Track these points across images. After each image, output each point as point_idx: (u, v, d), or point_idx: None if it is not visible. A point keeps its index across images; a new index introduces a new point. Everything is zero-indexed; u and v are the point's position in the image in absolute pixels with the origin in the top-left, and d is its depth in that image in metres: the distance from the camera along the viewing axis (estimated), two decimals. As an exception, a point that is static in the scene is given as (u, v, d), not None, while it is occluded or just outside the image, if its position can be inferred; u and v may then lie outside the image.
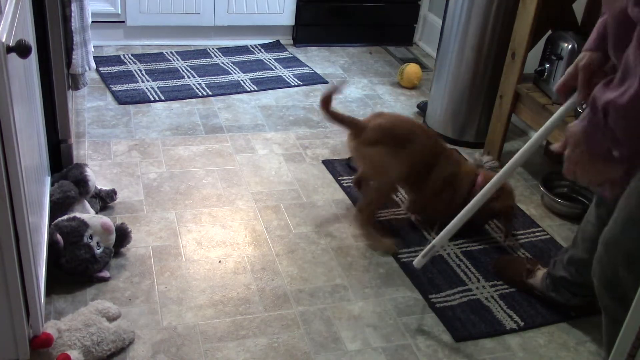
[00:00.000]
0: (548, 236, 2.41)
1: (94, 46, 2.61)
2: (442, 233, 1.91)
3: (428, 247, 1.94)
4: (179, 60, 3.53)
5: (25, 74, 1.65)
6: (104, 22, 3.51)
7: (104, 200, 2.29)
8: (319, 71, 3.60)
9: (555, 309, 2.04)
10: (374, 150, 2.22)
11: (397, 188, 2.42)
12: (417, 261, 1.98)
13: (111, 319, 1.79)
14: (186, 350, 1.78)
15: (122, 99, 3.06)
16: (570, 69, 1.57)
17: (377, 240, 2.27)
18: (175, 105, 3.08)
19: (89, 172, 2.19)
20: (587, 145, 1.29)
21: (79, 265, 1.91)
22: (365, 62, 3.83)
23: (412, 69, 3.52)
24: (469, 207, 1.87)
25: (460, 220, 1.90)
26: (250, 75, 3.46)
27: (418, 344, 1.89)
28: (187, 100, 3.13)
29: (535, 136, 1.74)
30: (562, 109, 1.68)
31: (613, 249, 1.47)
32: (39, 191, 1.82)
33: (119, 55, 3.50)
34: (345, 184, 2.60)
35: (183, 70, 3.42)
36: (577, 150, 1.34)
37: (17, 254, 1.44)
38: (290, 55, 3.76)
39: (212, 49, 3.73)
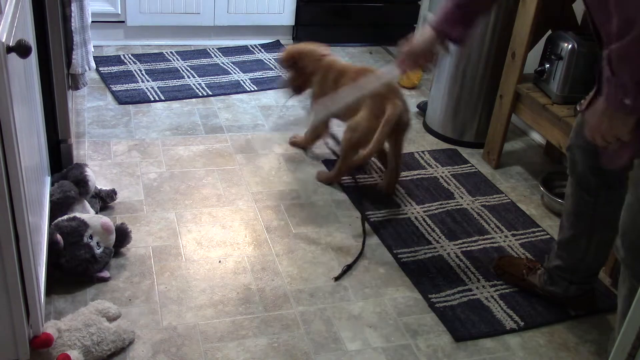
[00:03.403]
0: (548, 236, 2.41)
1: (94, 46, 2.61)
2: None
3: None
4: (179, 60, 3.53)
5: (25, 74, 1.65)
6: (104, 22, 3.51)
7: (104, 200, 2.29)
8: (319, 71, 3.59)
9: (556, 309, 2.04)
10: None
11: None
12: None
13: (111, 319, 1.79)
14: (186, 350, 1.78)
15: (122, 99, 3.06)
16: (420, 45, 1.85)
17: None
18: (175, 105, 3.08)
19: (89, 172, 2.19)
20: (609, 104, 1.39)
21: (79, 265, 1.91)
22: (366, 62, 3.82)
23: (412, 69, 3.52)
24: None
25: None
26: (250, 75, 3.46)
27: (418, 344, 1.89)
28: (187, 100, 3.13)
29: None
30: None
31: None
32: (39, 191, 1.82)
33: (119, 55, 3.50)
34: (345, 184, 2.60)
35: (183, 70, 3.42)
36: (602, 114, 1.43)
37: (17, 254, 1.44)
38: (290, 55, 3.75)
39: (212, 49, 3.73)
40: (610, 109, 1.39)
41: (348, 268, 2.13)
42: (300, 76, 2.66)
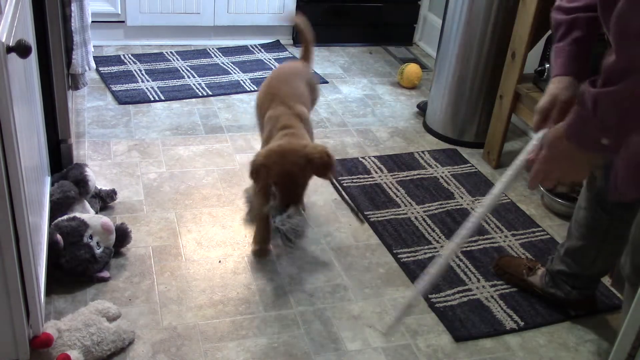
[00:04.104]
0: (548, 236, 2.41)
1: (94, 46, 2.61)
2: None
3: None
4: (179, 60, 3.53)
5: (25, 74, 1.65)
6: (104, 22, 3.51)
7: (104, 200, 2.29)
8: (319, 71, 3.60)
9: (555, 309, 2.04)
10: None
11: None
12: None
13: (111, 319, 1.79)
14: (186, 350, 1.78)
15: (122, 99, 3.06)
16: (545, 103, 1.47)
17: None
18: (175, 105, 3.08)
19: (89, 172, 2.19)
20: (576, 138, 1.28)
21: (79, 265, 1.91)
22: (365, 62, 3.83)
23: (412, 69, 3.52)
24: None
25: None
26: (250, 75, 3.46)
27: (418, 344, 1.89)
28: (187, 100, 3.13)
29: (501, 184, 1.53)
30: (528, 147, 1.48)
31: None
32: (39, 191, 1.82)
33: (119, 55, 3.50)
34: (345, 184, 2.60)
35: (183, 70, 3.42)
36: (560, 148, 1.33)
37: (17, 254, 1.44)
38: (290, 55, 3.75)
39: (212, 49, 3.73)
40: (579, 147, 1.27)
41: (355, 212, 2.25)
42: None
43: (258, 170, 1.97)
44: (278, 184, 1.98)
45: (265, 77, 3.43)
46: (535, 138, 1.44)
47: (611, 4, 1.15)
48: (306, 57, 2.55)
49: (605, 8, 1.23)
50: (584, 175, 1.35)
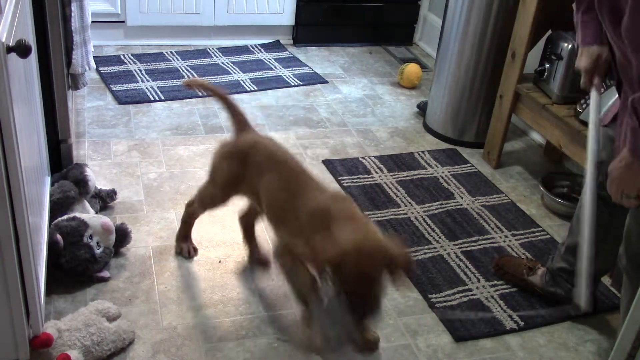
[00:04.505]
0: (548, 236, 2.41)
1: (94, 46, 2.61)
2: None
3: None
4: (179, 60, 3.53)
5: (25, 74, 1.65)
6: (104, 22, 3.51)
7: (104, 200, 2.29)
8: (318, 71, 3.60)
9: (555, 309, 2.04)
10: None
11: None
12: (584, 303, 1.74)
13: (111, 319, 1.79)
14: (186, 350, 1.78)
15: (122, 99, 3.06)
16: (589, 64, 1.67)
17: None
18: (175, 105, 3.08)
19: (89, 172, 2.19)
20: (631, 151, 1.30)
21: (79, 265, 1.91)
22: (365, 62, 3.83)
23: (412, 69, 3.52)
24: None
25: None
26: (250, 75, 3.46)
27: (418, 344, 1.89)
28: (187, 100, 3.13)
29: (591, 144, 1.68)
30: (594, 106, 1.71)
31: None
32: (39, 191, 1.82)
33: (119, 55, 3.50)
34: (345, 184, 2.60)
35: (183, 70, 3.42)
36: (626, 171, 1.36)
37: (17, 254, 1.44)
38: (290, 55, 3.76)
39: (212, 48, 3.73)
40: (638, 161, 1.30)
41: None
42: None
43: (333, 269, 1.53)
44: (354, 291, 1.54)
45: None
46: (593, 98, 1.69)
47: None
48: (241, 124, 2.04)
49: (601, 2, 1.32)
50: None
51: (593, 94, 1.71)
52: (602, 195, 1.78)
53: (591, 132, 1.66)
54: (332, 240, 1.55)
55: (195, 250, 2.16)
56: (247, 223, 2.12)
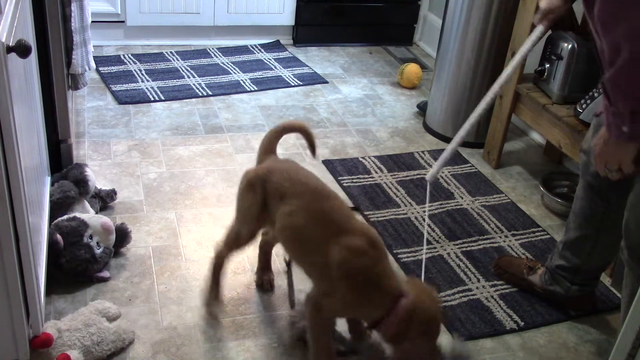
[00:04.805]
0: (548, 236, 2.41)
1: (94, 46, 2.61)
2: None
3: None
4: (179, 60, 3.53)
5: (25, 74, 1.65)
6: (104, 22, 3.51)
7: (104, 200, 2.29)
8: (318, 71, 3.60)
9: (555, 309, 2.04)
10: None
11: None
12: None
13: (111, 319, 1.79)
14: (186, 350, 1.78)
15: (122, 99, 3.06)
16: (547, 4, 1.94)
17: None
18: (175, 105, 3.08)
19: (89, 172, 2.19)
20: (609, 132, 1.40)
21: (79, 265, 1.91)
22: (365, 62, 3.83)
23: (412, 69, 3.52)
24: None
25: None
26: (250, 75, 3.46)
27: (418, 344, 1.89)
28: (187, 100, 3.13)
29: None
30: (533, 37, 2.00)
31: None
32: (39, 191, 1.82)
33: (119, 55, 3.50)
34: (345, 184, 2.60)
35: (183, 70, 3.42)
36: (605, 147, 1.45)
37: (17, 254, 1.44)
38: (290, 55, 3.76)
39: (212, 48, 3.73)
40: (612, 138, 1.39)
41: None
42: None
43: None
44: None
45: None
46: (535, 32, 1.99)
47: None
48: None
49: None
50: (628, 161, 1.45)
51: (538, 28, 1.98)
52: (593, 184, 1.80)
53: (516, 57, 2.07)
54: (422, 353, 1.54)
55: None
56: (267, 250, 2.01)
